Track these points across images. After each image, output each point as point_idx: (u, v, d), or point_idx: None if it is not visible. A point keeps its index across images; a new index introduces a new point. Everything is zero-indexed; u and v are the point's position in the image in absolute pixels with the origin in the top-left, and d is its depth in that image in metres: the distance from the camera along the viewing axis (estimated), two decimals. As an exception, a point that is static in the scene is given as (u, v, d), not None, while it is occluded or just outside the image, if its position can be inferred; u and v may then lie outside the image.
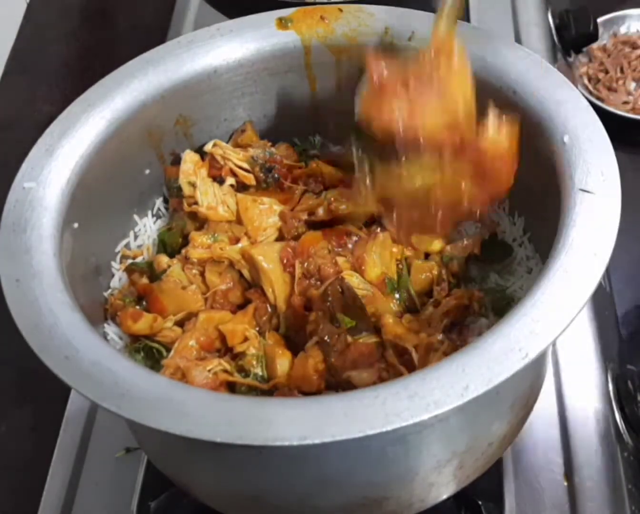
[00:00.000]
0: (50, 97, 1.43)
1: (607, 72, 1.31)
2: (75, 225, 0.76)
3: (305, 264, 0.78)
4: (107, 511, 0.89)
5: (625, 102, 1.27)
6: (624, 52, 1.32)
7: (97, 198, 0.81)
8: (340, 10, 0.88)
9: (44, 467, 0.92)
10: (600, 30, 1.33)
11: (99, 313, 0.82)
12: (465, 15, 1.35)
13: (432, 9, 0.75)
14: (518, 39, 1.33)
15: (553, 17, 1.37)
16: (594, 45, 1.35)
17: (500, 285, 0.82)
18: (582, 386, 0.94)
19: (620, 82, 1.29)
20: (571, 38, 1.32)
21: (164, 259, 0.83)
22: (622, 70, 1.30)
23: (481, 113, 0.71)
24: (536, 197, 0.80)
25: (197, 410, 0.58)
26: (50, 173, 0.75)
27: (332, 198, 0.83)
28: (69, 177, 0.76)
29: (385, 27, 0.86)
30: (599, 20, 1.35)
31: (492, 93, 0.80)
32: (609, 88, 1.29)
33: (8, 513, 0.96)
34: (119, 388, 0.60)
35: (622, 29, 1.37)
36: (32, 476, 0.94)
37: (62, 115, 0.80)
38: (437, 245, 0.81)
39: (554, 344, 0.65)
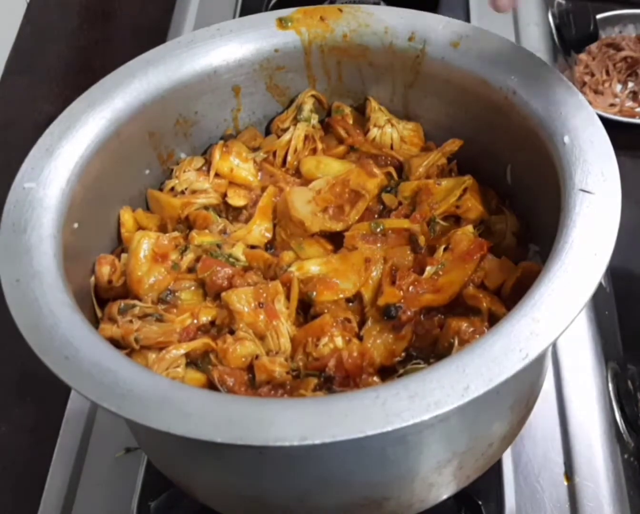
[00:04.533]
0: (50, 97, 1.43)
1: (592, 74, 1.30)
2: (75, 225, 0.76)
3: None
4: (107, 511, 0.89)
5: (612, 105, 1.26)
6: (608, 54, 1.31)
7: (97, 199, 0.81)
8: (340, 10, 0.88)
9: (44, 467, 0.92)
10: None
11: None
12: (465, 15, 1.36)
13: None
14: (518, 39, 1.33)
15: (553, 16, 1.37)
16: (578, 49, 1.34)
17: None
18: (582, 386, 0.94)
19: (607, 84, 1.29)
20: (571, 38, 1.32)
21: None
22: (607, 73, 1.30)
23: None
24: (536, 197, 0.80)
25: (197, 410, 0.58)
26: (50, 173, 0.75)
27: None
28: (68, 177, 0.76)
29: (385, 27, 0.86)
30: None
31: (492, 94, 0.80)
32: (595, 91, 1.28)
33: (8, 513, 0.96)
34: (119, 389, 0.60)
35: (607, 31, 1.36)
36: (32, 476, 0.94)
37: (62, 115, 0.80)
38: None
39: (554, 344, 0.65)
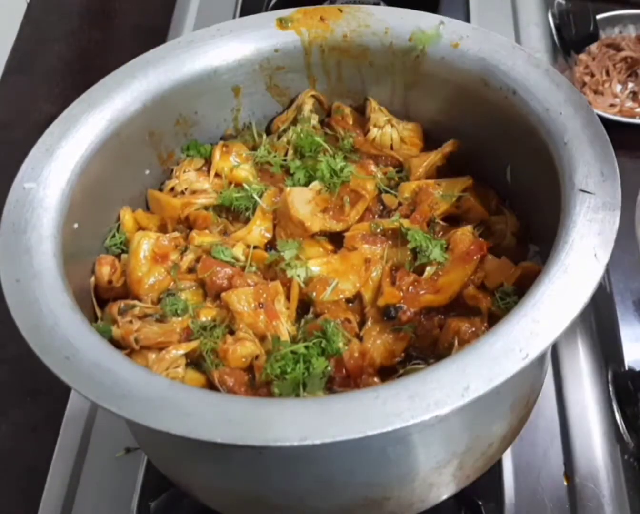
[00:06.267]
0: (50, 97, 1.43)
1: (592, 75, 1.30)
2: (75, 225, 0.76)
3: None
4: (107, 511, 0.89)
5: (612, 105, 1.26)
6: (608, 54, 1.31)
7: (97, 199, 0.81)
8: (340, 10, 0.88)
9: (44, 467, 0.93)
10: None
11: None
12: (465, 15, 1.36)
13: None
14: (518, 39, 1.33)
15: (553, 17, 1.37)
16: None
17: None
18: (582, 386, 0.94)
19: (607, 84, 1.28)
20: (571, 38, 1.32)
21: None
22: (607, 73, 1.30)
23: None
24: (536, 197, 0.80)
25: (197, 411, 0.58)
26: (50, 173, 0.75)
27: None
28: (69, 177, 0.76)
29: (386, 28, 0.86)
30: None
31: (492, 94, 0.80)
32: (595, 92, 1.28)
33: (8, 513, 0.96)
34: (119, 389, 0.60)
35: (607, 32, 1.36)
36: (32, 476, 0.94)
37: (62, 115, 0.80)
38: None
39: (554, 344, 0.65)
